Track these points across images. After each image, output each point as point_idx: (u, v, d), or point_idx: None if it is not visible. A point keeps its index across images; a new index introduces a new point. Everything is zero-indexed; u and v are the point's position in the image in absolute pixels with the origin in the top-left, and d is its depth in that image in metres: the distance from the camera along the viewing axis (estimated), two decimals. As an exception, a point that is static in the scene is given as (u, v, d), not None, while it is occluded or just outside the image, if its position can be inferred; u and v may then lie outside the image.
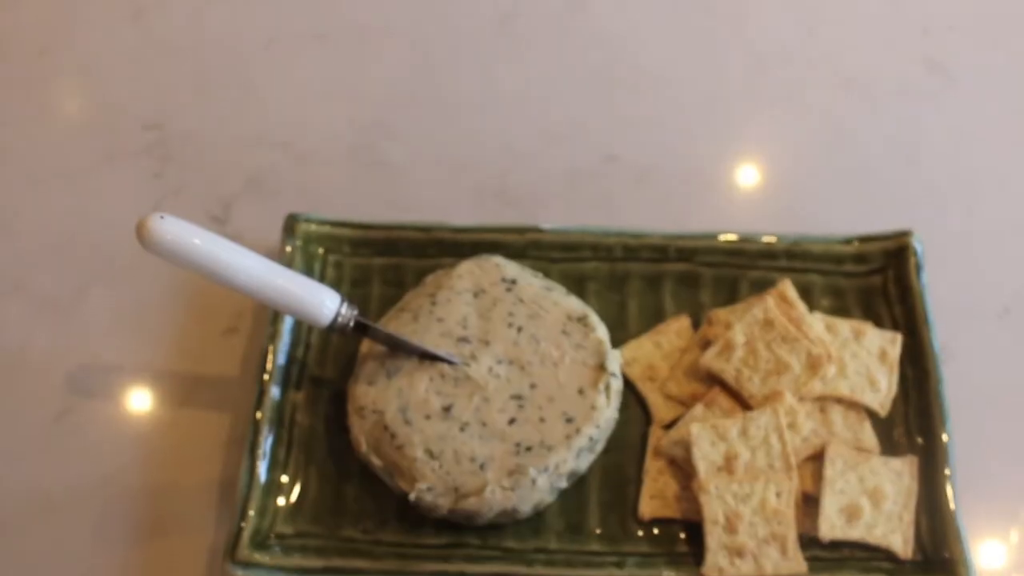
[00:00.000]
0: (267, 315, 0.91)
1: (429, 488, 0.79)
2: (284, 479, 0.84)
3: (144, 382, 0.92)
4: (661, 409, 0.87)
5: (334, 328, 0.81)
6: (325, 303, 0.81)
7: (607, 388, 0.83)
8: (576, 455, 0.81)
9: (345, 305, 0.82)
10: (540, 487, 0.79)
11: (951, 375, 0.87)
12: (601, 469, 0.84)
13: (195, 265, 0.77)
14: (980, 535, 0.83)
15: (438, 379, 0.83)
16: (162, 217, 0.76)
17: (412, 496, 0.79)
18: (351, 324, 0.82)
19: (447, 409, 0.82)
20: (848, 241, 0.93)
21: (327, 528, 0.82)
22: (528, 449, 0.80)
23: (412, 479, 0.80)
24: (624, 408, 0.87)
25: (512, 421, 0.81)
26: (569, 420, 0.81)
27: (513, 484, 0.79)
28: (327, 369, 0.90)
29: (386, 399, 0.83)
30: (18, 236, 1.02)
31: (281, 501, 0.83)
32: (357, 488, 0.84)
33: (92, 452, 0.90)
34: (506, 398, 0.82)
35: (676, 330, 0.90)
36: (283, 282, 0.80)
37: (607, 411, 0.82)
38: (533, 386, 0.82)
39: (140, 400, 0.92)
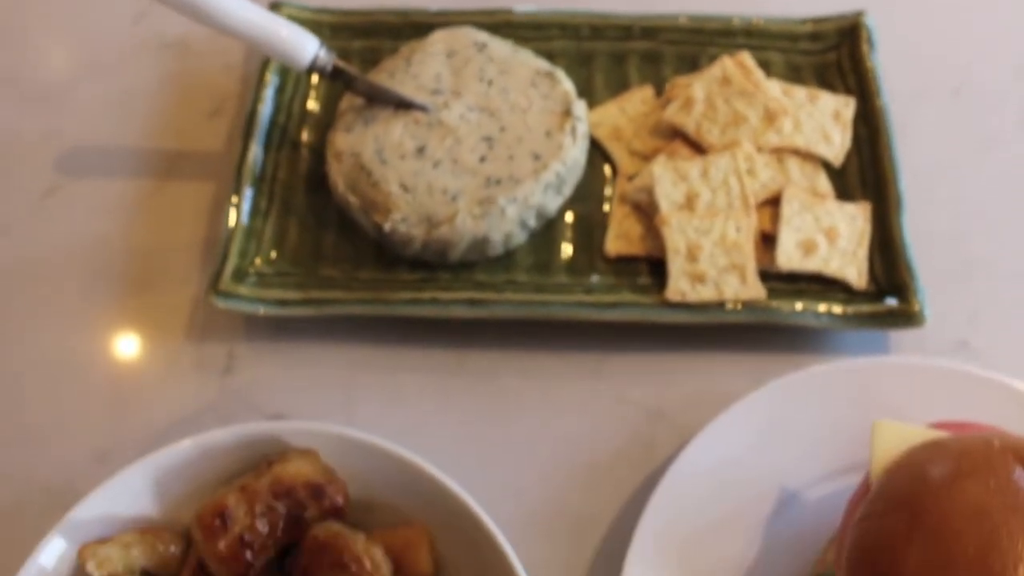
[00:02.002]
0: (250, 99, 0.93)
1: (403, 218, 0.81)
2: (265, 227, 0.85)
3: (132, 161, 0.93)
4: (626, 163, 0.89)
5: (314, 69, 0.83)
6: (306, 45, 0.82)
7: (573, 131, 0.84)
8: (543, 189, 0.82)
9: (324, 50, 0.83)
10: (509, 217, 0.81)
11: (904, 148, 0.89)
12: (569, 216, 0.86)
13: (186, 4, 0.80)
14: (928, 275, 0.83)
15: (412, 125, 0.85)
16: (156, -45, 0.79)
17: (387, 226, 0.81)
18: (329, 68, 0.84)
19: (421, 150, 0.84)
20: (803, 21, 0.95)
21: (306, 268, 0.84)
22: (498, 182, 0.82)
23: (387, 211, 0.81)
24: (592, 166, 0.88)
25: (483, 159, 0.83)
26: (537, 157, 0.83)
27: (483, 212, 0.81)
28: (308, 135, 0.91)
29: (363, 143, 0.84)
30: (8, 37, 1.04)
31: (262, 246, 0.84)
32: (335, 236, 0.86)
33: (80, 222, 0.90)
34: (477, 139, 0.84)
35: (640, 98, 0.92)
36: (268, 23, 0.81)
37: (573, 150, 0.84)
38: (503, 129, 0.84)
39: (128, 175, 0.92)
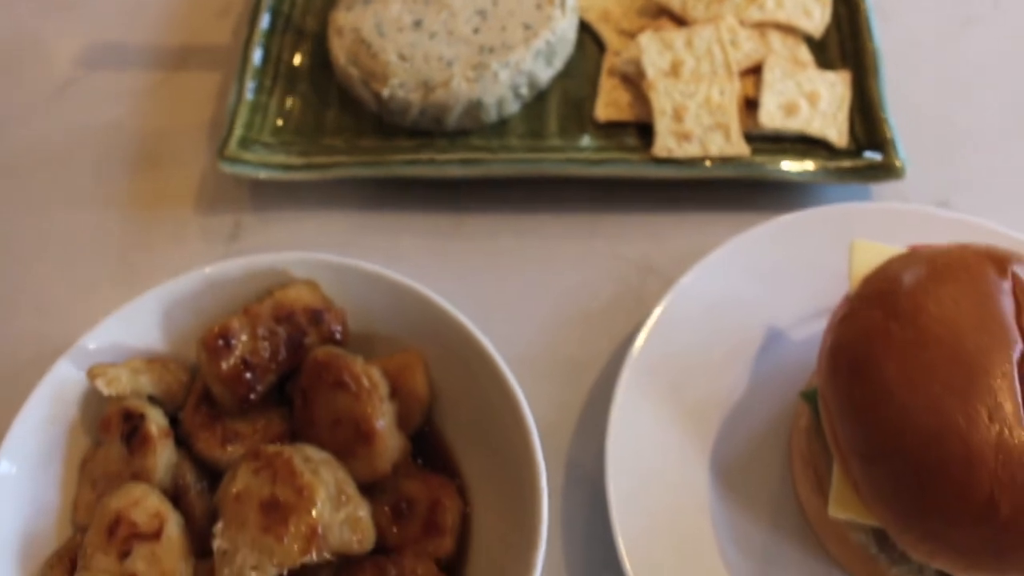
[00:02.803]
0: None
1: (401, 84, 0.83)
2: (270, 102, 0.87)
3: (143, 56, 0.96)
4: (615, 41, 0.90)
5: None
6: (306, -77, 0.86)
7: (562, 4, 0.86)
8: (534, 56, 0.84)
9: (324, -71, 0.87)
10: (502, 82, 0.83)
11: (884, 31, 0.90)
12: (560, 89, 0.88)
13: None
14: (910, 144, 0.84)
15: (409, 1, 0.86)
16: None
17: (386, 92, 0.83)
18: (330, -56, 0.87)
19: (418, 23, 0.86)
20: (785, -88, 0.99)
21: (309, 139, 0.85)
22: (491, 50, 0.83)
23: (386, 78, 0.83)
24: (582, 47, 0.90)
25: (476, 30, 0.85)
26: (528, 27, 0.84)
27: (477, 76, 0.82)
28: (310, 22, 0.93)
29: (363, 19, 0.86)
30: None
31: (267, 120, 0.86)
32: (337, 111, 0.87)
33: (94, 111, 0.93)
34: (471, 13, 0.86)
35: (629, -16, 0.95)
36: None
37: (562, 22, 0.85)
38: (495, 3, 0.85)
39: (139, 68, 0.95)
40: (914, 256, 0.66)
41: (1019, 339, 0.60)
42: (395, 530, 0.68)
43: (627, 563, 0.67)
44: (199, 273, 0.72)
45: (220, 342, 0.68)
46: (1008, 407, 0.57)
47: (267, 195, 0.86)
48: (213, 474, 0.69)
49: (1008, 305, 0.61)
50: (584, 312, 0.81)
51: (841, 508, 0.62)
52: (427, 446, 0.72)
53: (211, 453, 0.69)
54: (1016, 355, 0.59)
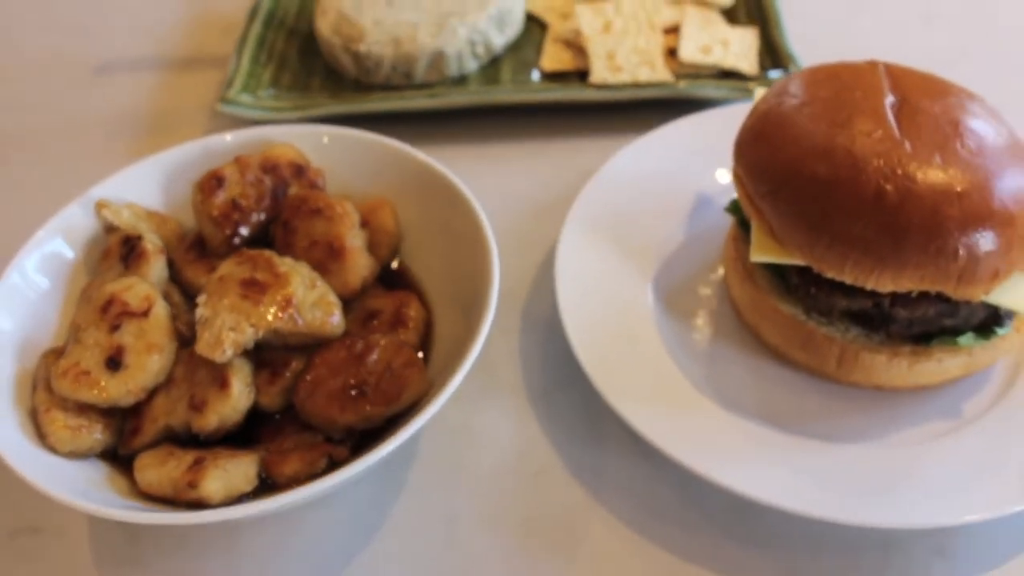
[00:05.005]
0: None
1: (376, 41, 0.96)
2: (264, 73, 1.00)
3: (155, 62, 1.11)
4: (557, 23, 1.05)
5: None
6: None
7: (510, -16, 1.03)
8: (487, 20, 0.98)
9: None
10: (461, 37, 0.96)
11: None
12: (512, 55, 1.02)
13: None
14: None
15: (385, -16, 1.04)
16: None
17: (363, 48, 0.96)
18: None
19: (390, 2, 1.02)
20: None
21: (297, 95, 0.99)
22: (451, 14, 0.98)
23: (362, 37, 0.97)
24: (529, 30, 1.05)
25: (439, 3, 1.01)
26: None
27: (439, 31, 0.96)
28: (300, 22, 1.09)
29: (343, 4, 1.03)
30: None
31: (261, 83, 0.99)
32: (321, 80, 1.01)
33: (113, 100, 1.06)
34: (436, -8, 1.03)
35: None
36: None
37: (511, -2, 1.03)
38: (455, -14, 1.03)
39: (152, 71, 1.09)
40: (800, 71, 0.76)
41: (891, 95, 0.69)
42: (364, 332, 0.73)
43: (585, 365, 0.71)
44: (195, 144, 0.81)
45: (213, 182, 0.77)
46: (883, 127, 0.66)
47: (260, 142, 0.97)
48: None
49: (882, 75, 0.71)
50: (534, 206, 0.90)
51: (761, 252, 0.69)
52: (395, 282, 0.79)
53: (197, 279, 0.75)
54: (888, 103, 0.68)
